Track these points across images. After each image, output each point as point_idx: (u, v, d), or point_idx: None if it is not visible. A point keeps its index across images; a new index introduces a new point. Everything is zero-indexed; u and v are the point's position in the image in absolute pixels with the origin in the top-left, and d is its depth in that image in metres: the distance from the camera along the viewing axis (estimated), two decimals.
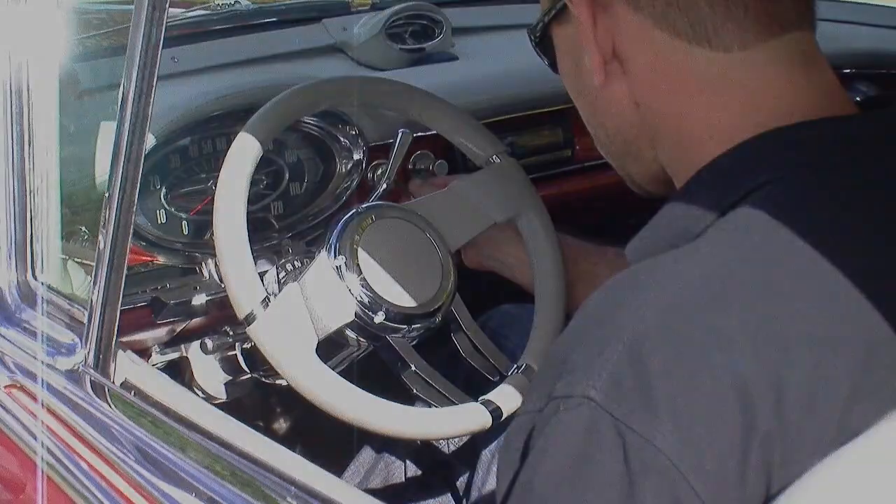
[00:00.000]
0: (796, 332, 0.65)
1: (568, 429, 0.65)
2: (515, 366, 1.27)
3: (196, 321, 1.38)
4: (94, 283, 1.07)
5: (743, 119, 0.74)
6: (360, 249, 1.21)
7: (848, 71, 1.87)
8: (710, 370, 0.63)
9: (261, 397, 1.94)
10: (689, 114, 0.77)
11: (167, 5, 0.97)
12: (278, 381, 1.30)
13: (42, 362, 1.18)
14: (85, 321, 1.11)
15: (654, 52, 0.76)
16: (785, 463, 0.63)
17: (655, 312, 0.66)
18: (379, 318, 1.20)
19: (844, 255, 0.67)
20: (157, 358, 1.42)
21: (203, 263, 1.38)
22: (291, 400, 1.45)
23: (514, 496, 0.68)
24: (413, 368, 1.22)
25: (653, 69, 0.77)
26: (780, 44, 0.75)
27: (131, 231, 1.05)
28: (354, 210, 1.26)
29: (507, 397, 1.21)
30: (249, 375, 1.39)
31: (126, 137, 1.01)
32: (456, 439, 1.42)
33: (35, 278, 1.31)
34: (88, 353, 1.10)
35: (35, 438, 1.14)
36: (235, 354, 1.37)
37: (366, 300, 1.19)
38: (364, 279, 1.20)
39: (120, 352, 1.11)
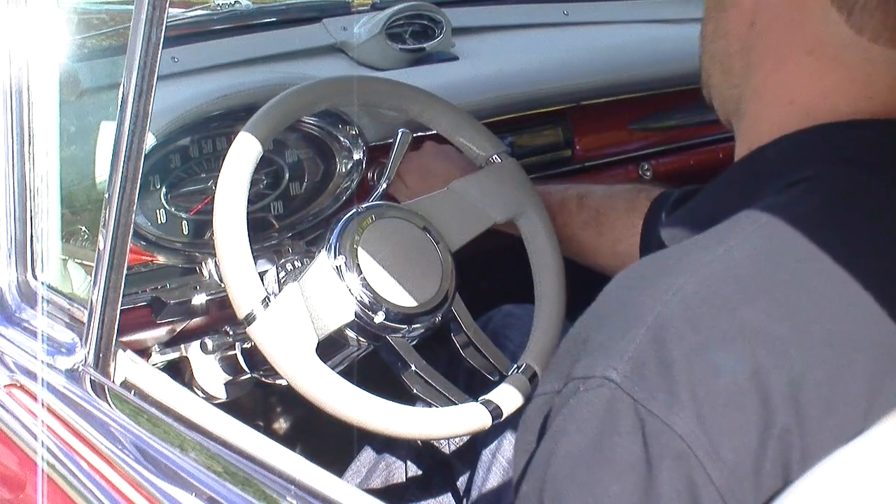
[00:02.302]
0: (820, 330, 0.65)
1: (587, 409, 0.65)
2: (515, 365, 1.27)
3: (196, 321, 1.38)
4: (94, 283, 1.07)
5: (830, 101, 0.73)
6: (360, 249, 1.21)
7: None
8: (733, 361, 0.63)
9: (261, 397, 1.94)
10: (785, 68, 0.75)
11: (167, 5, 0.97)
12: (278, 381, 1.30)
13: (42, 362, 1.18)
14: (85, 321, 1.11)
15: None
16: (805, 459, 0.63)
17: (682, 299, 0.66)
18: (379, 317, 1.20)
19: (873, 258, 0.67)
20: (157, 358, 1.42)
21: (203, 263, 1.38)
22: (291, 400, 1.45)
23: (531, 476, 0.68)
24: (413, 368, 1.22)
25: (788, 3, 0.75)
26: None
27: (131, 231, 1.05)
28: (354, 210, 1.26)
29: (507, 397, 1.22)
30: (249, 375, 1.40)
31: (126, 137, 1.01)
32: (456, 439, 1.42)
33: (35, 278, 1.31)
34: (88, 352, 1.10)
35: (35, 438, 1.14)
36: (235, 354, 1.37)
37: (366, 300, 1.19)
38: (364, 279, 1.20)
39: (120, 351, 1.11)
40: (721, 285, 0.66)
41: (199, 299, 1.33)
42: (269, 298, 1.14)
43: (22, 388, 1.22)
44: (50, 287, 1.29)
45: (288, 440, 1.93)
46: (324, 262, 1.20)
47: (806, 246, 0.68)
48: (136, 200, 1.04)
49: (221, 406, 1.21)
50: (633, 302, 0.68)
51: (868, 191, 0.71)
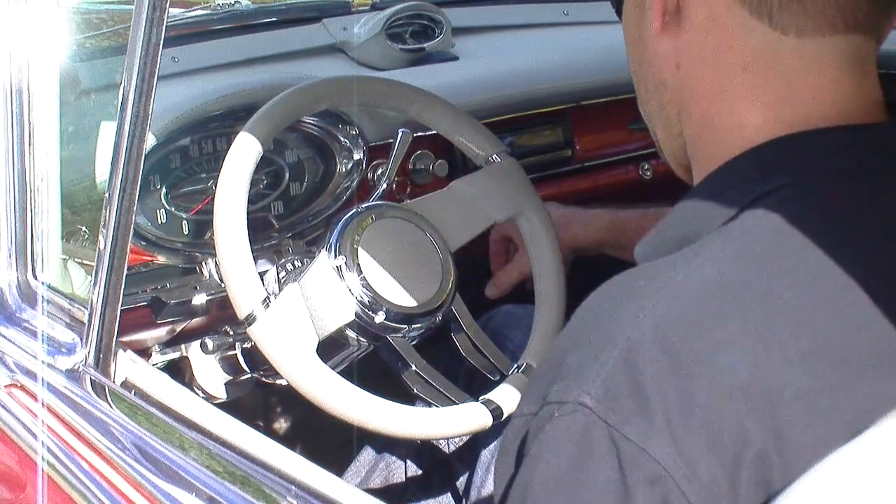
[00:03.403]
0: (796, 346, 0.64)
1: (562, 435, 0.65)
2: (516, 365, 1.27)
3: (196, 321, 1.38)
4: (95, 283, 1.07)
5: (775, 112, 0.73)
6: (360, 249, 1.21)
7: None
8: (705, 381, 0.63)
9: (261, 397, 1.94)
10: (724, 93, 0.74)
11: (167, 5, 0.97)
12: (278, 381, 1.30)
13: (42, 362, 1.18)
14: (85, 321, 1.11)
15: (714, 15, 0.73)
16: (785, 475, 0.62)
17: (652, 320, 0.65)
18: (379, 317, 1.20)
19: (850, 265, 0.66)
20: (158, 358, 1.42)
21: (203, 263, 1.38)
22: (291, 400, 1.45)
23: (511, 501, 0.68)
24: (413, 368, 1.23)
25: (707, 31, 0.74)
26: (838, 42, 0.72)
27: (131, 231, 1.05)
28: (354, 210, 1.26)
29: (507, 397, 1.22)
30: (249, 375, 1.40)
31: (126, 137, 1.01)
32: (456, 439, 1.42)
33: (35, 278, 1.31)
34: (89, 352, 1.10)
35: (35, 438, 1.15)
36: (235, 354, 1.37)
37: (366, 300, 1.19)
38: (364, 279, 1.20)
39: (120, 351, 1.11)
40: (691, 305, 0.66)
41: (200, 299, 1.33)
42: (269, 299, 1.14)
43: (22, 387, 1.22)
44: (50, 287, 1.29)
45: (288, 440, 1.93)
46: (324, 262, 1.20)
47: (777, 258, 0.67)
48: (136, 200, 1.04)
49: (221, 406, 1.21)
50: (604, 325, 0.68)
51: (836, 201, 0.70)
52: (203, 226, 1.39)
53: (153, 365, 1.36)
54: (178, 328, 1.40)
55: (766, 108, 0.73)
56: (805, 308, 0.66)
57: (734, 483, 0.62)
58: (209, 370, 1.41)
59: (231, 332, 1.35)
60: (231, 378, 1.42)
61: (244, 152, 1.18)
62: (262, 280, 1.20)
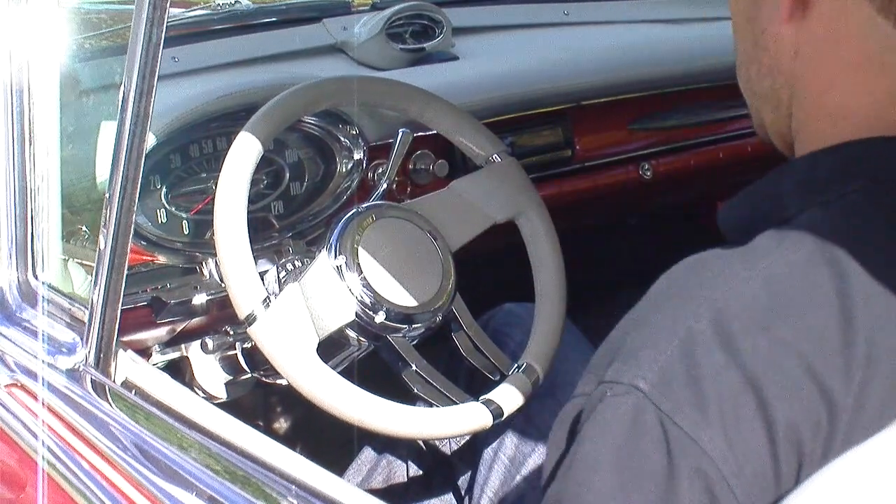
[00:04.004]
0: (856, 350, 0.65)
1: (613, 416, 0.65)
2: (516, 365, 1.27)
3: (196, 321, 1.38)
4: (95, 283, 1.07)
5: (882, 111, 0.73)
6: (360, 249, 1.21)
7: None
8: (761, 379, 0.63)
9: (261, 397, 1.94)
10: (837, 86, 0.75)
11: (167, 5, 0.97)
12: (278, 381, 1.30)
13: (43, 361, 1.18)
14: (85, 320, 1.11)
15: (842, 7, 0.73)
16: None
17: (714, 313, 0.66)
18: (379, 317, 1.20)
19: None
20: (158, 357, 1.42)
21: (203, 263, 1.38)
22: (292, 400, 1.45)
23: (558, 478, 0.69)
24: (414, 368, 1.23)
25: (831, 23, 0.74)
26: None
27: (132, 231, 1.05)
28: (355, 210, 1.26)
29: (507, 396, 1.22)
30: (250, 375, 1.40)
31: (126, 137, 1.01)
32: (457, 438, 1.42)
33: (36, 278, 1.31)
34: (89, 352, 1.10)
35: (36, 437, 1.15)
36: (236, 354, 1.37)
37: (366, 300, 1.19)
38: (365, 279, 1.20)
39: (120, 351, 1.11)
40: (755, 302, 0.67)
41: (200, 299, 1.33)
42: (269, 299, 1.14)
43: (23, 387, 1.22)
44: (50, 287, 1.29)
45: (288, 440, 1.94)
46: (324, 262, 1.20)
47: (849, 262, 0.67)
48: (136, 200, 1.04)
49: (222, 406, 1.21)
50: (668, 312, 0.68)
51: None
52: (203, 226, 1.39)
53: (153, 365, 1.36)
54: (179, 328, 1.40)
55: (874, 107, 0.73)
56: (874, 312, 0.66)
57: (780, 479, 0.62)
58: (209, 370, 1.41)
59: (231, 332, 1.35)
60: (231, 378, 1.42)
61: (244, 152, 1.18)
62: (263, 280, 1.20)
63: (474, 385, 1.27)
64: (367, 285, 1.20)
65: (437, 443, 1.44)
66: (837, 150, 0.74)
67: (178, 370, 1.43)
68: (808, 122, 0.78)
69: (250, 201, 1.19)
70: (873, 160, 0.73)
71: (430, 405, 1.22)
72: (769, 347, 0.65)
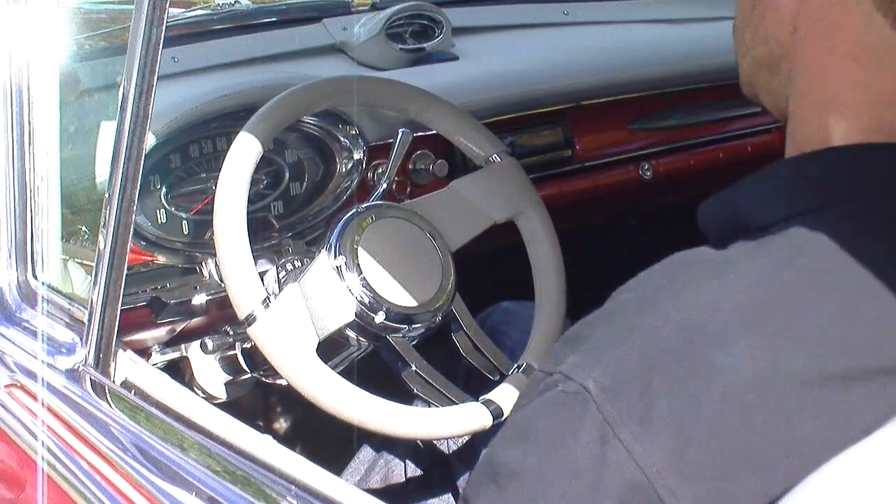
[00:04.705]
0: (820, 365, 0.63)
1: (558, 407, 0.65)
2: (516, 365, 1.27)
3: (196, 321, 1.38)
4: (95, 283, 1.07)
5: (875, 110, 0.71)
6: (360, 249, 1.21)
7: None
8: (714, 394, 0.62)
9: (261, 397, 1.94)
10: (831, 76, 0.72)
11: (167, 5, 0.97)
12: (278, 381, 1.30)
13: (42, 361, 1.18)
14: (85, 321, 1.11)
15: None
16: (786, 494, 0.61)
17: (677, 327, 0.65)
18: (379, 317, 1.20)
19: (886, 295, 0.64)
20: (158, 357, 1.42)
21: (203, 263, 1.38)
22: (291, 400, 1.45)
23: (499, 437, 0.69)
24: (413, 368, 1.23)
25: (831, 8, 0.71)
26: None
27: (131, 231, 1.05)
28: (354, 210, 1.26)
29: (507, 396, 1.22)
30: (249, 375, 1.40)
31: (126, 137, 1.01)
32: (456, 438, 1.42)
33: (35, 278, 1.31)
34: (89, 352, 1.10)
35: (35, 438, 1.15)
36: (235, 354, 1.37)
37: (366, 300, 1.19)
38: (364, 279, 1.20)
39: (120, 351, 1.11)
40: (719, 317, 0.65)
41: (199, 299, 1.33)
42: (269, 299, 1.14)
43: (22, 387, 1.22)
44: (50, 287, 1.29)
45: (288, 440, 1.94)
46: (324, 262, 1.20)
47: (827, 278, 0.65)
48: (136, 200, 1.04)
49: (221, 406, 1.22)
50: (633, 316, 0.67)
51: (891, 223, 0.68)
52: (203, 226, 1.39)
53: (153, 365, 1.36)
54: (178, 328, 1.40)
55: (865, 104, 0.71)
56: (838, 333, 0.64)
57: (729, 498, 0.61)
58: (209, 370, 1.41)
59: (231, 332, 1.35)
60: (231, 378, 1.42)
61: (244, 152, 1.18)
62: (262, 280, 1.20)
63: (473, 385, 1.27)
64: (367, 285, 1.20)
65: (435, 442, 1.44)
66: (822, 157, 0.72)
67: (178, 370, 1.43)
68: (800, 101, 0.75)
69: (250, 201, 1.19)
70: (860, 170, 0.71)
71: (430, 405, 1.22)
72: (726, 363, 0.63)
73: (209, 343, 1.37)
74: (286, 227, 1.44)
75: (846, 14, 0.71)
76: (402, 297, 1.22)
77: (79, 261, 1.34)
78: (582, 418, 0.63)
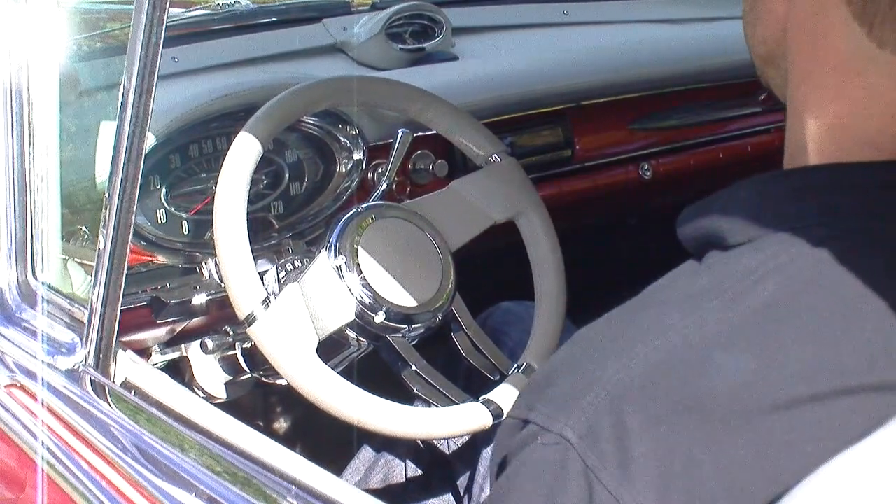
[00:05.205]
0: (795, 392, 0.62)
1: (541, 464, 0.65)
2: (516, 365, 1.27)
3: (196, 321, 1.38)
4: (95, 283, 1.07)
5: (855, 122, 0.70)
6: (360, 249, 1.21)
7: None
8: (686, 434, 0.62)
9: (261, 397, 1.94)
10: (813, 82, 0.72)
11: (167, 5, 0.97)
12: (278, 381, 1.30)
13: (42, 362, 1.18)
14: (85, 321, 1.11)
15: (821, 2, 0.70)
16: None
17: (645, 367, 0.64)
18: (379, 318, 1.20)
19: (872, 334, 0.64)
20: (158, 358, 1.42)
21: (203, 263, 1.38)
22: (291, 400, 1.45)
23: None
24: (413, 368, 1.23)
25: (811, 15, 0.71)
26: None
27: (131, 231, 1.05)
28: (354, 210, 1.26)
29: (507, 397, 1.22)
30: (249, 375, 1.40)
31: (126, 137, 1.01)
32: (456, 438, 1.42)
33: (35, 278, 1.31)
34: (88, 352, 1.10)
35: (35, 438, 1.14)
36: (235, 354, 1.37)
37: (366, 300, 1.19)
38: (364, 279, 1.20)
39: (120, 351, 1.11)
40: (687, 357, 0.64)
41: (199, 299, 1.33)
42: (269, 299, 1.14)
43: (22, 388, 1.22)
44: (50, 287, 1.29)
45: (288, 440, 1.94)
46: (324, 262, 1.20)
47: (786, 307, 0.65)
48: (136, 200, 1.04)
49: (221, 406, 1.22)
50: (601, 356, 0.67)
51: (876, 246, 0.67)
52: (203, 226, 1.39)
53: (153, 365, 1.37)
54: (178, 328, 1.40)
55: (847, 115, 0.70)
56: (807, 371, 0.64)
57: None
58: (209, 370, 1.41)
59: (231, 332, 1.35)
60: (231, 378, 1.42)
61: (244, 152, 1.18)
62: (262, 280, 1.20)
63: (473, 385, 1.27)
64: (367, 285, 1.20)
65: (435, 442, 1.44)
66: (792, 176, 0.71)
67: (178, 370, 1.43)
68: (790, 112, 0.75)
69: (250, 201, 1.19)
70: (834, 194, 0.69)
71: (430, 405, 1.22)
72: (698, 406, 0.62)
73: (209, 343, 1.37)
74: (286, 227, 1.45)
75: (827, 21, 0.70)
76: (402, 297, 1.22)
77: (79, 261, 1.34)
78: (566, 468, 0.63)
